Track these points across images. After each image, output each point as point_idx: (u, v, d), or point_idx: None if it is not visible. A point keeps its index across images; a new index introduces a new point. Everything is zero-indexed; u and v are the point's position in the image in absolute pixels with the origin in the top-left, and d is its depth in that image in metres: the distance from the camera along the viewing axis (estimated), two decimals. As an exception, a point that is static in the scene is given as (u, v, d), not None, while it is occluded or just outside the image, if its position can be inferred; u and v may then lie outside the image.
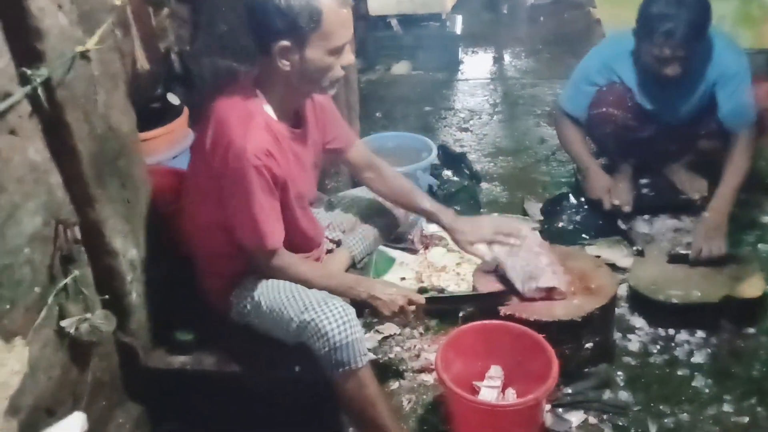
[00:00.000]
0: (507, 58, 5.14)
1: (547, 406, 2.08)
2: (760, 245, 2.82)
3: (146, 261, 2.00)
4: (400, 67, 4.91)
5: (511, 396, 2.02)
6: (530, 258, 2.21)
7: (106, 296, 1.82)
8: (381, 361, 2.34)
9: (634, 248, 2.75)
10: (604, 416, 2.11)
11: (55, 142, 1.64)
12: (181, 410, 2.07)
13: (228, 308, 2.04)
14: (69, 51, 1.61)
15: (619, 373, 2.25)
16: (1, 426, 1.51)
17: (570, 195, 3.03)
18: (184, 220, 2.08)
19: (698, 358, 2.30)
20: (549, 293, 2.15)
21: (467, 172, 3.32)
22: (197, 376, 2.02)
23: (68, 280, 1.68)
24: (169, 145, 2.80)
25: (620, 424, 2.09)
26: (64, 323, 1.67)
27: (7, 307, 1.50)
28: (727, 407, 2.12)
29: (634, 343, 2.37)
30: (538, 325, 2.06)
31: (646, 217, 2.91)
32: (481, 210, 3.12)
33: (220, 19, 3.06)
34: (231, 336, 2.05)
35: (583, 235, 2.87)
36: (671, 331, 2.40)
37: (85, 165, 1.71)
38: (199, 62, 3.13)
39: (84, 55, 1.66)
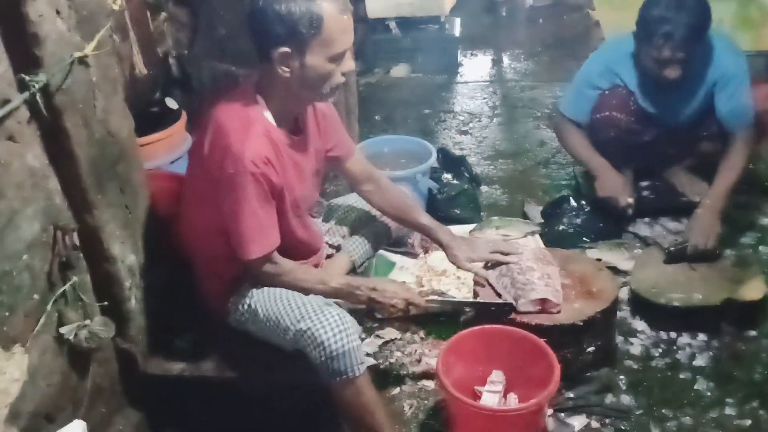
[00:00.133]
0: (506, 60, 5.14)
1: (549, 411, 2.07)
2: (760, 247, 2.81)
3: (145, 266, 2.00)
4: (399, 70, 4.91)
5: (512, 401, 2.01)
6: (522, 273, 2.20)
7: (105, 302, 1.82)
8: (382, 366, 2.33)
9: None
10: (607, 420, 2.10)
11: (54, 147, 1.64)
12: (180, 416, 2.07)
13: (226, 314, 2.04)
14: (67, 56, 1.61)
15: (621, 377, 2.25)
16: (1, 433, 1.50)
17: (570, 198, 3.02)
18: (182, 224, 2.08)
19: (700, 361, 2.29)
20: (543, 305, 2.14)
21: (467, 175, 3.31)
22: (196, 382, 2.01)
23: (67, 286, 1.67)
24: (168, 150, 2.80)
25: (622, 428, 2.08)
26: (63, 330, 1.67)
27: (6, 314, 1.50)
28: (729, 410, 2.11)
29: (635, 347, 2.36)
30: (540, 330, 2.06)
31: (647, 219, 2.91)
32: (482, 213, 3.12)
33: (219, 23, 3.06)
34: (230, 341, 2.05)
35: (584, 239, 2.86)
36: (673, 335, 2.40)
37: (83, 170, 1.71)
38: (198, 66, 3.13)
39: (82, 61, 1.66)
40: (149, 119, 2.76)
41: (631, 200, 2.83)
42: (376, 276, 2.54)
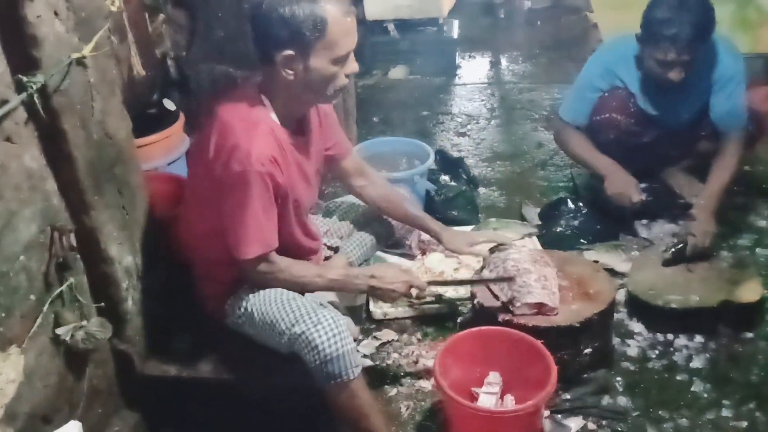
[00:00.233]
0: (504, 62, 5.14)
1: (546, 412, 2.07)
2: (757, 249, 2.82)
3: (143, 268, 2.00)
4: (397, 72, 4.91)
5: (509, 402, 2.02)
6: (519, 275, 2.20)
7: (102, 304, 1.82)
8: (379, 367, 2.33)
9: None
10: (603, 422, 2.10)
11: (51, 149, 1.64)
12: (177, 418, 2.06)
13: (224, 316, 2.04)
14: (65, 58, 1.61)
15: (618, 378, 2.25)
16: (-4, 435, 1.50)
17: (568, 200, 3.02)
18: (182, 226, 2.08)
19: (697, 363, 2.29)
20: (539, 309, 2.14)
21: (465, 177, 3.31)
22: (194, 383, 2.01)
23: (64, 287, 1.67)
24: (166, 151, 2.80)
25: (619, 429, 2.08)
26: (59, 331, 1.66)
27: (3, 315, 1.50)
28: (725, 412, 2.11)
29: (632, 349, 2.36)
30: (537, 331, 2.06)
31: (645, 221, 2.91)
32: (479, 215, 3.12)
33: (217, 24, 3.06)
34: (227, 343, 2.05)
35: (581, 240, 2.86)
36: (670, 336, 2.40)
37: (81, 172, 1.71)
38: (196, 68, 3.13)
39: (80, 62, 1.66)
40: (147, 121, 2.76)
41: (642, 197, 2.82)
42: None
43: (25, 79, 1.52)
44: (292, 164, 1.93)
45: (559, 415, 2.11)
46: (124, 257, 1.91)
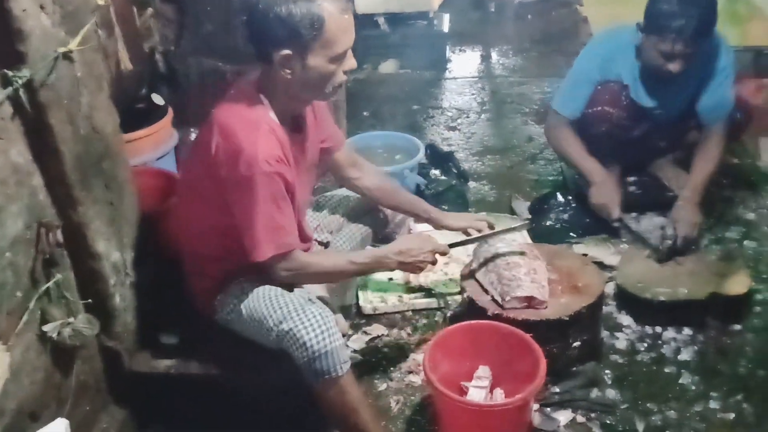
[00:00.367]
0: (494, 56, 5.13)
1: (535, 406, 2.08)
2: (745, 242, 2.83)
3: (131, 264, 1.99)
4: (388, 66, 4.90)
5: (499, 396, 2.02)
6: (508, 269, 2.20)
7: (90, 300, 1.81)
8: (368, 362, 2.33)
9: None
10: (592, 415, 2.11)
11: (38, 143, 1.63)
12: (166, 414, 2.06)
13: (213, 312, 2.03)
14: (52, 52, 1.60)
15: (607, 371, 2.26)
16: (-17, 432, 1.50)
17: (557, 194, 3.03)
18: (174, 222, 2.06)
19: (685, 355, 2.30)
20: (529, 302, 2.15)
21: (455, 171, 3.32)
22: (182, 379, 2.00)
23: (50, 283, 1.66)
24: (154, 146, 2.78)
25: (608, 422, 2.09)
26: (46, 328, 1.66)
27: (-11, 311, 1.49)
28: (713, 404, 2.13)
29: (621, 341, 2.37)
30: (526, 325, 2.06)
31: (634, 214, 2.92)
32: (469, 209, 3.12)
33: (205, 19, 3.05)
34: (217, 339, 2.04)
35: (571, 234, 2.87)
36: (658, 329, 2.41)
37: (68, 167, 1.69)
38: (184, 62, 3.12)
39: (67, 56, 1.65)
40: (135, 115, 2.74)
41: (621, 216, 2.81)
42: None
43: (10, 73, 1.51)
44: (292, 162, 1.93)
45: (548, 409, 2.12)
46: (111, 253, 1.90)
